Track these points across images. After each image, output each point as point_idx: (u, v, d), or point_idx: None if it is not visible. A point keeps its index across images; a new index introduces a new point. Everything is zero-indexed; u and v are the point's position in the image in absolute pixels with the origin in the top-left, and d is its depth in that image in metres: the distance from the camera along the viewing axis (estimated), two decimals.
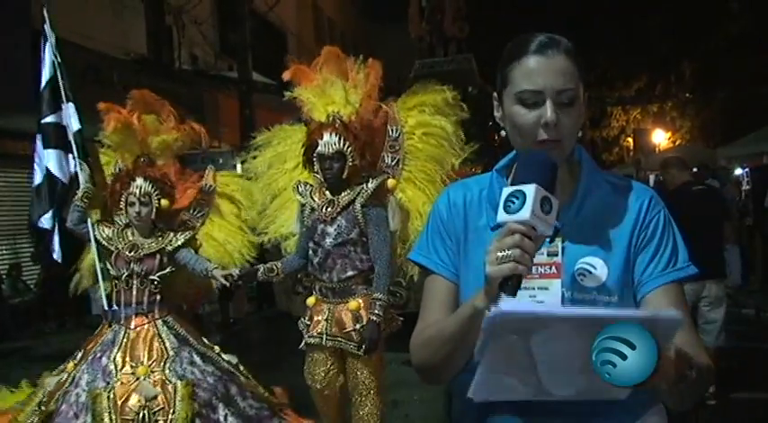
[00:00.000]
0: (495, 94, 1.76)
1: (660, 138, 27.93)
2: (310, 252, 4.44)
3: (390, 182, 4.46)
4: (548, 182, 1.51)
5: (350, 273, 4.32)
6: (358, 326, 4.28)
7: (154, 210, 4.70)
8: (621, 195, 1.75)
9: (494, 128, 11.74)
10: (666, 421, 1.75)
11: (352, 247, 4.30)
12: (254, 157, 5.02)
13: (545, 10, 24.59)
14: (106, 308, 4.78)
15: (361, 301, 4.32)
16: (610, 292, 1.63)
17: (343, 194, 4.34)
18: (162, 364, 4.46)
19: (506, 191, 1.52)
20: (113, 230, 4.79)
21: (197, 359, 4.60)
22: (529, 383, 1.48)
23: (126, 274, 4.64)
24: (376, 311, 4.22)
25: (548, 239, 1.57)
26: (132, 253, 4.66)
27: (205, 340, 4.85)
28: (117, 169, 5.03)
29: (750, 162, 15.85)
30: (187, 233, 4.86)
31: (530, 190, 1.48)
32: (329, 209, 4.33)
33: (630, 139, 29.90)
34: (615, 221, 1.71)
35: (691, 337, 1.63)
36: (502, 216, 1.50)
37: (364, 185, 4.34)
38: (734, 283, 11.79)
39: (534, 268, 1.54)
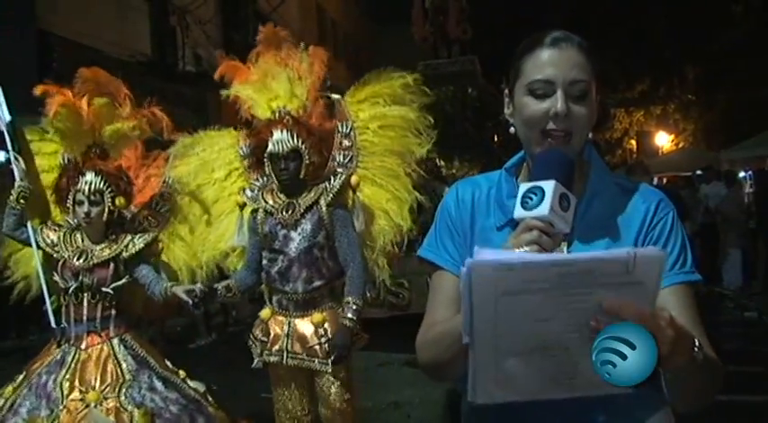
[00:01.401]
0: (506, 91, 1.75)
1: (663, 140, 27.97)
2: (266, 261, 3.98)
3: (354, 179, 4.02)
4: (566, 179, 1.50)
5: (317, 283, 3.90)
6: (323, 340, 3.88)
7: (106, 210, 4.02)
8: (629, 198, 1.72)
9: (494, 129, 11.75)
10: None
11: (318, 252, 3.88)
12: (175, 167, 4.39)
13: (548, 12, 24.60)
14: (54, 325, 4.09)
15: (325, 314, 3.93)
16: None
17: (302, 196, 3.93)
18: (117, 389, 3.86)
19: (524, 187, 1.50)
20: (59, 235, 4.12)
21: (158, 385, 3.98)
22: (528, 372, 1.42)
23: (75, 286, 3.98)
24: (348, 316, 3.83)
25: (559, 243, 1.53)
26: (81, 262, 4.00)
27: (168, 364, 4.18)
28: (65, 160, 4.22)
29: (753, 165, 15.86)
30: (146, 236, 4.18)
31: (548, 186, 1.46)
32: (289, 212, 3.90)
33: (634, 142, 29.93)
34: (622, 224, 1.68)
35: (699, 338, 1.59)
36: (519, 212, 1.48)
37: (327, 184, 3.94)
38: (736, 286, 11.81)
39: None
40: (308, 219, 3.87)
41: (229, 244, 4.23)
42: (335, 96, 4.22)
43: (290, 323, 3.94)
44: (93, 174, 4.00)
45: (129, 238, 4.11)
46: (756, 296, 11.43)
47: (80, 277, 3.98)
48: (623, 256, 1.31)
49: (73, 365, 3.92)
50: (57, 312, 4.10)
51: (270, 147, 3.86)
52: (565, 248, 1.60)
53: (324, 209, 3.87)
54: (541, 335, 1.38)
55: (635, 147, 29.64)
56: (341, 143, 4.13)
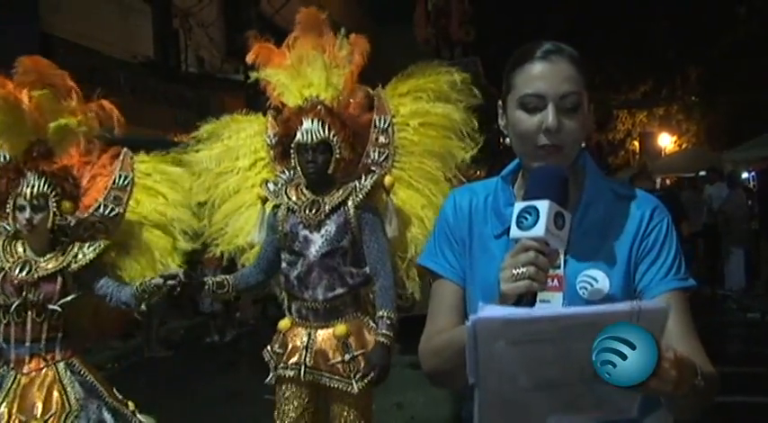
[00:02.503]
0: (499, 102, 1.75)
1: (666, 141, 27.96)
2: (285, 264, 3.60)
3: (388, 179, 3.65)
4: (560, 197, 1.51)
5: (339, 290, 3.49)
6: (347, 356, 3.46)
7: (51, 216, 3.54)
8: (624, 205, 1.72)
9: (498, 131, 11.76)
10: None
11: (341, 257, 3.50)
12: (198, 152, 4.09)
13: (550, 13, 24.61)
14: None
15: (349, 325, 3.52)
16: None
17: (328, 193, 3.55)
18: (62, 419, 3.39)
19: (518, 206, 1.51)
20: None
21: (107, 417, 3.50)
22: (534, 405, 1.46)
23: (17, 302, 3.46)
24: (384, 332, 3.43)
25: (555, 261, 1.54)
26: (24, 274, 3.49)
27: (117, 394, 3.66)
28: (3, 159, 3.76)
29: (756, 165, 15.85)
30: (97, 244, 3.63)
31: (543, 206, 1.47)
32: (313, 211, 3.52)
33: (636, 143, 29.92)
34: (617, 232, 1.69)
35: (695, 347, 1.62)
36: (515, 232, 1.49)
37: (357, 183, 3.55)
38: (739, 288, 11.80)
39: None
40: (333, 220, 3.50)
41: (248, 240, 3.87)
42: (375, 89, 3.92)
43: (309, 334, 3.54)
44: (36, 176, 3.52)
45: (76, 247, 3.60)
46: (759, 297, 11.41)
47: (23, 293, 3.48)
48: (627, 310, 1.33)
49: (12, 390, 3.44)
50: None
51: (298, 136, 3.50)
52: (561, 256, 1.60)
53: (351, 211, 3.50)
54: (546, 375, 1.41)
55: (638, 148, 29.61)
56: (377, 139, 3.80)
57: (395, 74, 4.01)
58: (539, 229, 1.45)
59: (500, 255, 1.56)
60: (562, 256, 1.61)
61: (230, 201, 4.02)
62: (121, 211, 3.83)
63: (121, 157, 3.92)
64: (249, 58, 3.89)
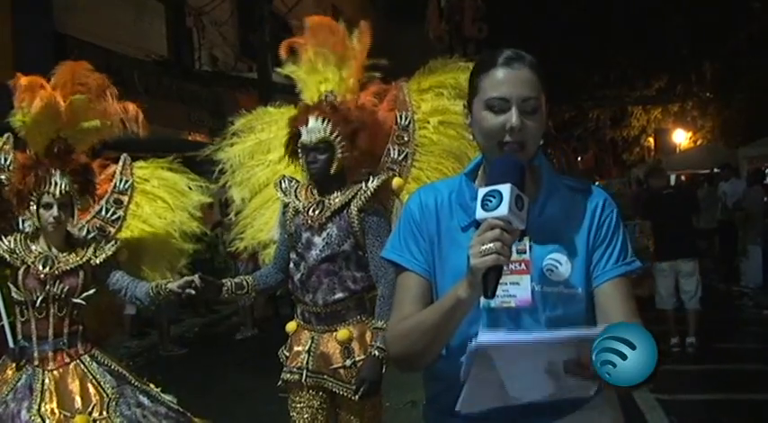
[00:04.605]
0: (464, 103, 1.95)
1: (681, 137, 27.86)
2: (291, 266, 3.53)
3: (396, 181, 3.56)
4: (519, 182, 1.66)
5: (339, 295, 3.40)
6: (348, 362, 3.39)
7: (73, 212, 3.59)
8: (579, 197, 1.92)
9: None
10: (619, 413, 1.92)
11: (343, 261, 3.40)
12: (232, 145, 4.05)
13: (564, 11, 24.55)
14: (12, 344, 3.54)
15: (352, 329, 3.43)
16: (574, 286, 1.82)
17: (335, 195, 3.44)
18: (104, 408, 3.44)
19: (483, 191, 1.66)
20: (15, 239, 3.62)
21: (144, 400, 3.59)
22: (515, 389, 1.63)
23: (40, 297, 3.48)
24: (378, 345, 3.29)
25: (517, 239, 1.68)
26: (48, 269, 3.51)
27: (138, 377, 3.76)
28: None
29: None
30: (114, 241, 3.72)
31: (505, 189, 1.62)
32: (316, 212, 3.42)
33: (651, 139, 29.85)
34: (575, 221, 1.89)
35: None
36: (480, 214, 1.63)
37: (363, 185, 3.42)
38: (755, 284, 11.71)
39: (506, 265, 1.66)
40: (336, 223, 3.40)
41: (269, 235, 3.83)
42: (397, 84, 3.83)
43: (313, 338, 3.47)
44: (61, 174, 3.54)
45: (94, 243, 3.67)
46: None
47: (46, 286, 3.50)
48: (599, 332, 1.50)
49: (47, 390, 3.44)
50: (11, 329, 3.60)
51: (302, 136, 3.40)
52: (527, 243, 1.77)
53: (354, 214, 3.38)
54: (528, 371, 1.59)
55: (653, 144, 29.56)
56: (397, 137, 3.71)
57: (409, 73, 3.95)
58: (503, 209, 1.60)
59: (468, 246, 1.68)
60: (527, 243, 1.78)
61: (259, 195, 3.98)
62: (122, 213, 3.94)
63: (121, 163, 4.03)
64: (282, 53, 3.85)
